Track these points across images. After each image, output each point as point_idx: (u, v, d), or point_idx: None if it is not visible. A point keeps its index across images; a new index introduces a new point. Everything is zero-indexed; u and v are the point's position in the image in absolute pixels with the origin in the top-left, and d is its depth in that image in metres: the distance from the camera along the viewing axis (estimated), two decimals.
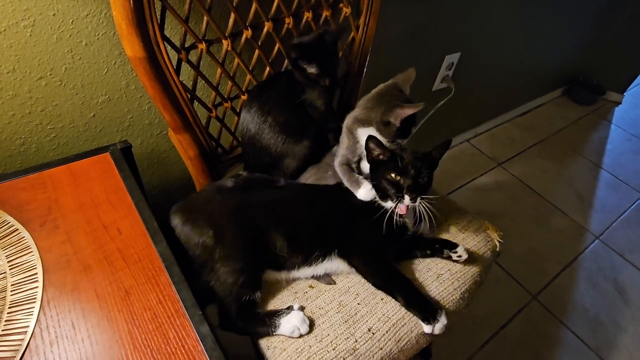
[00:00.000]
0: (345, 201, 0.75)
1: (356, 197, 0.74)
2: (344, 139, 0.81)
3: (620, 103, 2.54)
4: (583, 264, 1.57)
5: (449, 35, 1.35)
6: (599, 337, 1.34)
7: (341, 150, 0.81)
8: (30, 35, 0.64)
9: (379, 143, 0.70)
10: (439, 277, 0.74)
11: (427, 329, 0.66)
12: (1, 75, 0.65)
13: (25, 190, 0.67)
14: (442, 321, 0.66)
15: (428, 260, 0.77)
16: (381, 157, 0.71)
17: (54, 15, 0.64)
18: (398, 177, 0.69)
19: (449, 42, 1.38)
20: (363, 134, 0.76)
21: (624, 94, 2.55)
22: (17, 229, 0.62)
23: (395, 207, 0.70)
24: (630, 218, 1.79)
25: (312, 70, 0.76)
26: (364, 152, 0.76)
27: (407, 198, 0.68)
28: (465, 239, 0.82)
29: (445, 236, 0.82)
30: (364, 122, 0.77)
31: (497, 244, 0.84)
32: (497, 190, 1.82)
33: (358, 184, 0.75)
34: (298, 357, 0.62)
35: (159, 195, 0.99)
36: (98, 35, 0.70)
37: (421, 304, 0.68)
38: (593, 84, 2.45)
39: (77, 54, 0.70)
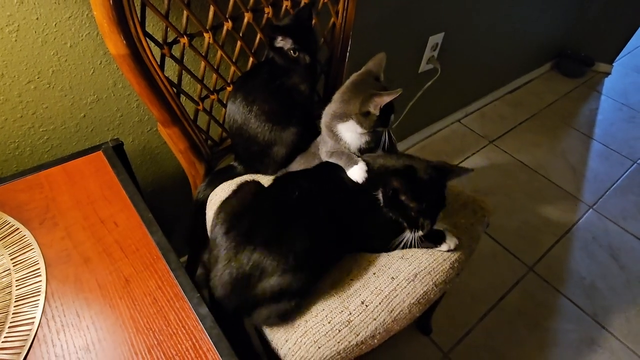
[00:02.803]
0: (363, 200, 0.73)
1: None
2: (326, 139, 0.80)
3: (609, 74, 2.55)
4: (578, 233, 1.60)
5: (432, 15, 1.36)
6: (595, 303, 1.37)
7: (325, 148, 0.81)
8: (16, 40, 0.66)
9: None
10: (429, 249, 0.77)
11: (444, 247, 0.75)
12: None
13: (23, 191, 0.70)
14: (450, 237, 0.75)
15: None
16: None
17: (37, 19, 0.66)
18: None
19: (432, 22, 1.40)
20: (344, 129, 0.76)
21: (613, 64, 2.55)
22: (18, 228, 0.65)
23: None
24: (623, 186, 1.82)
25: (288, 45, 0.77)
26: (348, 146, 0.78)
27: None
28: (453, 212, 0.84)
29: None
30: (343, 117, 0.75)
31: (485, 215, 0.86)
32: (490, 167, 1.84)
33: (354, 162, 0.73)
34: (295, 332, 0.64)
35: (155, 191, 1.02)
36: (82, 36, 0.72)
37: (430, 238, 0.75)
38: (581, 56, 2.45)
39: (63, 56, 0.72)
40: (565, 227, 1.62)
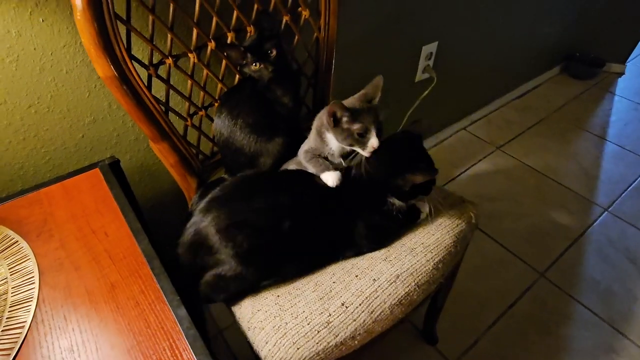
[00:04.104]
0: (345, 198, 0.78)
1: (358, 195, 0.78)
2: (311, 139, 0.84)
3: (623, 73, 2.49)
4: (592, 237, 1.54)
5: (423, 25, 1.39)
6: (612, 309, 1.31)
7: (306, 147, 0.85)
8: (16, 69, 0.72)
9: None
10: (412, 251, 0.77)
11: (423, 215, 0.84)
12: None
13: (24, 207, 0.75)
14: (422, 205, 0.83)
15: (403, 236, 0.81)
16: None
17: (34, 49, 0.72)
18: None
19: (424, 32, 1.42)
20: (330, 137, 0.80)
21: (626, 63, 2.49)
22: (17, 241, 0.69)
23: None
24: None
25: (248, 60, 0.81)
26: (333, 152, 0.81)
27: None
28: (440, 212, 0.84)
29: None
30: (327, 126, 0.80)
31: (472, 215, 0.86)
32: (497, 173, 1.81)
33: (328, 168, 0.79)
34: (275, 333, 0.66)
35: (154, 207, 1.06)
36: (76, 62, 0.78)
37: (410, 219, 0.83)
38: (591, 57, 2.41)
39: (60, 81, 0.78)
40: (578, 230, 1.57)
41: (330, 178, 0.77)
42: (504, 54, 1.92)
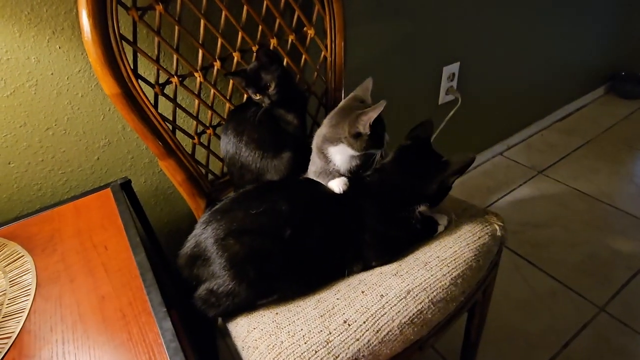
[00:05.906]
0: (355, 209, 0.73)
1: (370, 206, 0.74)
2: (315, 160, 0.81)
3: None
4: None
5: (440, 45, 1.37)
6: None
7: (313, 168, 0.82)
8: (35, 93, 0.78)
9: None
10: (426, 265, 0.69)
11: (441, 228, 0.77)
12: (15, 129, 0.78)
13: (36, 225, 0.77)
14: (440, 217, 0.78)
15: (416, 250, 0.73)
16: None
17: (52, 74, 0.78)
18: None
19: (442, 52, 1.39)
20: (334, 152, 0.76)
21: None
22: (23, 255, 0.71)
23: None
24: None
25: (242, 83, 0.82)
26: (337, 169, 0.77)
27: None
28: (460, 224, 0.76)
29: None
30: (333, 140, 0.76)
31: (497, 227, 0.77)
32: (541, 198, 1.67)
33: (334, 177, 0.76)
34: (269, 353, 0.60)
35: (171, 232, 1.06)
36: (91, 86, 0.82)
37: (427, 231, 0.77)
38: (638, 75, 2.25)
39: (76, 104, 0.82)
40: None
41: (336, 185, 0.74)
42: (540, 74, 1.84)
